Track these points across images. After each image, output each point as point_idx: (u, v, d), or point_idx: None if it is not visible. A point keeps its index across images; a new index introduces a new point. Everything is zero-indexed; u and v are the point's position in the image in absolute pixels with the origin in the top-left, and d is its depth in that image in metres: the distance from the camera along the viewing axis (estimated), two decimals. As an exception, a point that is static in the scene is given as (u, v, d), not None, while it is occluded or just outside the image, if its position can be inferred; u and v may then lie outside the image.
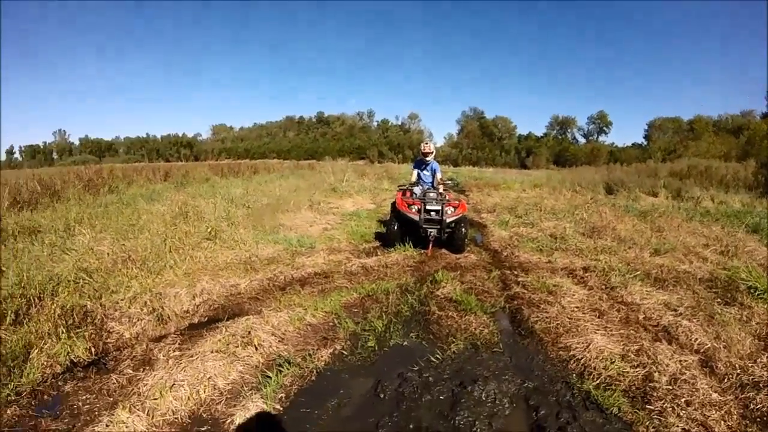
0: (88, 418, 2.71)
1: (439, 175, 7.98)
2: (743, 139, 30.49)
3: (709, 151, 32.15)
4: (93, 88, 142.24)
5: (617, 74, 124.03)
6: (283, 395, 3.00)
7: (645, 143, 67.81)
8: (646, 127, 71.98)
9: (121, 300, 4.32)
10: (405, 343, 3.87)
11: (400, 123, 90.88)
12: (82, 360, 3.41)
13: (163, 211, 7.76)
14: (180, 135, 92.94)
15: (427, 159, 7.89)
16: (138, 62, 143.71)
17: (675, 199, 14.52)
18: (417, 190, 7.59)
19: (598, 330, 3.94)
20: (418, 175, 7.99)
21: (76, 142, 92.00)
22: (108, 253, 5.36)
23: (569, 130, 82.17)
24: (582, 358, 3.50)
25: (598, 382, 3.18)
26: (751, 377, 3.12)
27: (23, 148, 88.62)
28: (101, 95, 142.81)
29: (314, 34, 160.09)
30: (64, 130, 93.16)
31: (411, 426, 2.71)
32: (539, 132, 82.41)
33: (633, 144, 71.08)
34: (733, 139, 37.00)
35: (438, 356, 3.57)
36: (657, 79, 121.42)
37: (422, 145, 8.10)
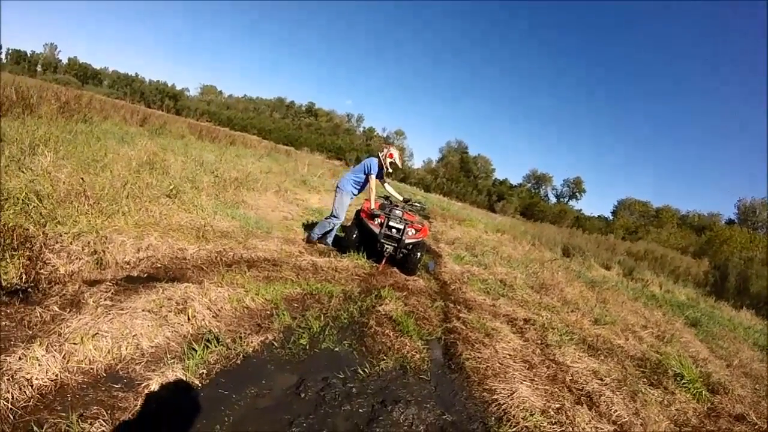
0: (2, 345, 2.57)
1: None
2: (704, 239, 31.71)
3: (669, 240, 33.45)
4: (99, 14, 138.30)
5: (606, 148, 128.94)
6: (205, 372, 2.93)
7: (611, 218, 70.02)
8: (616, 204, 74.57)
9: (65, 233, 4.13)
10: (336, 349, 3.85)
11: (385, 135, 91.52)
12: (10, 285, 3.24)
13: (131, 155, 7.51)
14: (168, 85, 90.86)
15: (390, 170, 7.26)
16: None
17: (626, 276, 15.04)
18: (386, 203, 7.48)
19: (524, 381, 4.02)
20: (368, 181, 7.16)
21: (65, 61, 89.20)
22: (64, 182, 5.12)
23: (543, 187, 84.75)
24: (504, 403, 3.56)
25: (514, 430, 3.24)
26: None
27: (9, 51, 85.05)
28: (105, 23, 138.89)
29: (333, 27, 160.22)
30: (55, 45, 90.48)
31: (324, 431, 2.70)
32: (515, 180, 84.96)
33: (599, 216, 73.30)
34: (694, 235, 38.59)
35: (366, 369, 3.57)
36: (642, 163, 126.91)
37: (395, 154, 7.23)
